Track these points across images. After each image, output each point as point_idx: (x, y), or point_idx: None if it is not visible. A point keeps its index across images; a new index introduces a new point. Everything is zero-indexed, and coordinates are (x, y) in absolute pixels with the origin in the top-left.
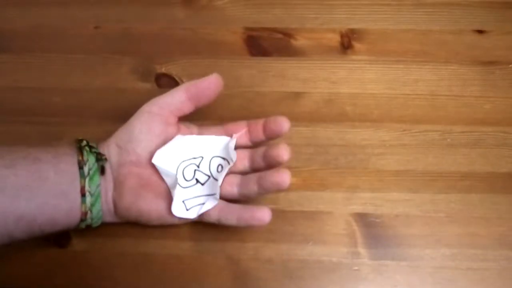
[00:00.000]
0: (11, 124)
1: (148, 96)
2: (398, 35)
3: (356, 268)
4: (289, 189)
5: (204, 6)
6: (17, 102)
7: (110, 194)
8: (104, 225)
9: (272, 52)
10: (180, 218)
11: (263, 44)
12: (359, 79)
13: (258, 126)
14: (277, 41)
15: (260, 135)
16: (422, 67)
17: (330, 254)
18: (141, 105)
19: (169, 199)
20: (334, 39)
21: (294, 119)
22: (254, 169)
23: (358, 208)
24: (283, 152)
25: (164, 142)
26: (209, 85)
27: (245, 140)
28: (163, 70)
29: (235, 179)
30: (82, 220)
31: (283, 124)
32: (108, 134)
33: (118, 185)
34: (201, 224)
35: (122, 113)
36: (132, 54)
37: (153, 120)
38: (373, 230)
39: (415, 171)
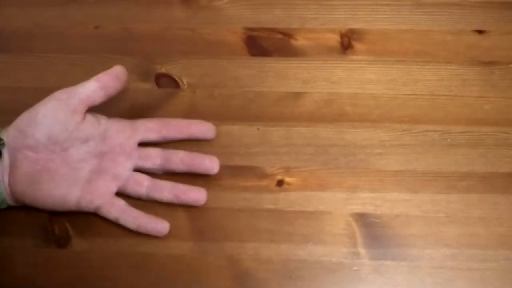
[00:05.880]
0: None
1: (148, 96)
2: (398, 35)
3: (356, 268)
4: (289, 189)
5: (204, 6)
6: (17, 102)
7: (6, 179)
8: (104, 225)
9: (272, 52)
10: (76, 205)
11: (263, 44)
12: (359, 79)
13: (174, 125)
14: (277, 41)
15: (180, 133)
16: (422, 67)
17: (330, 254)
18: (141, 105)
19: (65, 184)
20: (334, 39)
21: (294, 119)
22: (165, 169)
23: (358, 208)
24: (215, 165)
25: (67, 130)
26: (119, 72)
27: (155, 136)
28: (163, 70)
29: (145, 180)
30: None
31: (213, 129)
32: None
33: (13, 170)
34: (201, 224)
35: (122, 113)
36: (132, 54)
37: (59, 108)
38: (373, 230)
39: (415, 171)
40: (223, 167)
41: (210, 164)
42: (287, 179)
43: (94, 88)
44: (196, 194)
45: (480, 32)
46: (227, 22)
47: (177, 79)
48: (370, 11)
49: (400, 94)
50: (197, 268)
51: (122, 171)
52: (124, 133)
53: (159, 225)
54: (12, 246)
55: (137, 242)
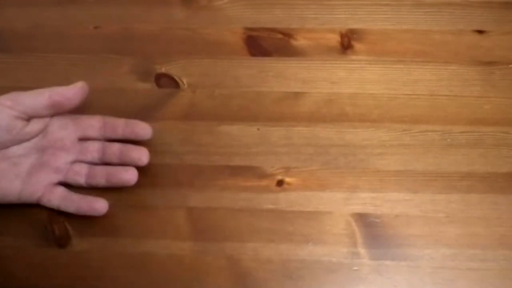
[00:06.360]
0: None
1: (148, 96)
2: (398, 35)
3: (356, 268)
4: (289, 189)
5: (204, 6)
6: None
7: None
8: (104, 225)
9: (272, 52)
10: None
11: (263, 44)
12: (359, 79)
13: (115, 125)
14: (277, 41)
15: (115, 133)
16: (422, 67)
17: (330, 254)
18: (141, 105)
19: (6, 179)
20: (334, 39)
21: (294, 119)
22: (103, 162)
23: (358, 208)
24: (144, 156)
25: (9, 134)
26: (75, 95)
27: (96, 134)
28: (163, 70)
29: (83, 169)
30: None
31: (148, 131)
32: None
33: None
34: (201, 224)
35: (122, 113)
36: (132, 54)
37: (2, 113)
38: (373, 230)
39: (415, 171)
40: (223, 167)
41: (137, 155)
42: (287, 179)
43: (41, 105)
44: (125, 175)
45: (480, 32)
46: (227, 22)
47: (177, 79)
48: (370, 11)
49: (400, 94)
50: (197, 268)
51: (62, 164)
52: (66, 129)
53: (96, 205)
54: (12, 246)
55: (137, 242)
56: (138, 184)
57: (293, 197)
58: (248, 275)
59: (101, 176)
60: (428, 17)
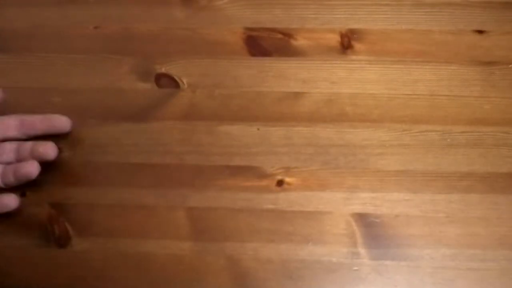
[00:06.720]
0: None
1: (148, 96)
2: (398, 35)
3: (356, 268)
4: (289, 189)
5: (204, 6)
6: (17, 102)
7: None
8: (104, 225)
9: (272, 52)
10: None
11: (263, 44)
12: (359, 79)
13: (32, 121)
14: (277, 41)
15: (34, 130)
16: (422, 67)
17: (330, 254)
18: (141, 105)
19: None
20: (334, 39)
21: (294, 119)
22: (19, 161)
23: (358, 208)
24: (50, 150)
25: None
26: None
27: (16, 133)
28: (163, 70)
29: None
30: None
31: (66, 123)
32: (108, 134)
33: None
34: (201, 224)
35: (122, 113)
36: (132, 54)
37: None
38: (373, 230)
39: (415, 171)
40: (223, 167)
41: (44, 150)
42: (287, 179)
43: None
44: (25, 168)
45: (480, 32)
46: (227, 22)
47: (177, 79)
48: (370, 11)
49: (400, 94)
50: (197, 268)
51: None
52: None
53: (5, 200)
54: (12, 246)
55: (137, 242)
56: (138, 184)
57: (293, 197)
58: (248, 275)
59: (10, 173)
60: (428, 17)
